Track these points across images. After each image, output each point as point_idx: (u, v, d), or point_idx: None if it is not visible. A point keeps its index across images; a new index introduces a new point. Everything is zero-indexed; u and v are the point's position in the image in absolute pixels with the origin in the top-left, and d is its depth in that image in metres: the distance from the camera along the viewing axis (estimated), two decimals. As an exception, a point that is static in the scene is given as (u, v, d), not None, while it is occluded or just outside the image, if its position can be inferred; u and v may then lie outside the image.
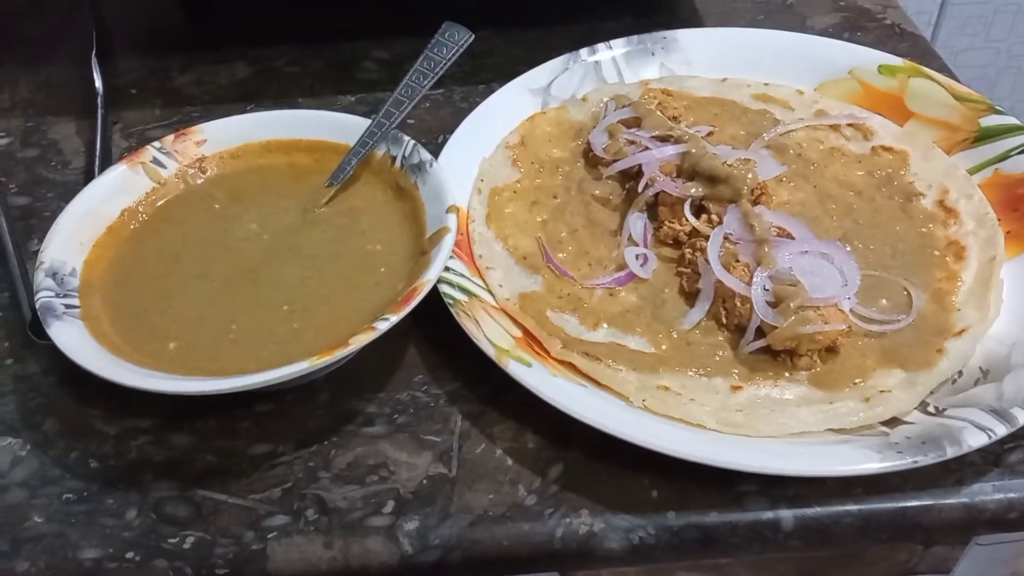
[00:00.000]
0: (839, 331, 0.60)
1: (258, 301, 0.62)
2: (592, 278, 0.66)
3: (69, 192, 0.69)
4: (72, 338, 0.57)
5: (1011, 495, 0.56)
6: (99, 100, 0.82)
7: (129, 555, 0.53)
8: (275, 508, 0.55)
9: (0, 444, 0.59)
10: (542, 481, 0.57)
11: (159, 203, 0.68)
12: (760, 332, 0.61)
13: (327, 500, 0.56)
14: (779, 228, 0.65)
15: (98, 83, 0.83)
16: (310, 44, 0.90)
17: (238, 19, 0.95)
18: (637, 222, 0.69)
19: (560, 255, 0.68)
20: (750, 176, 0.68)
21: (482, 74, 0.86)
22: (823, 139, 0.76)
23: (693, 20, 0.92)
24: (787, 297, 0.60)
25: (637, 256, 0.67)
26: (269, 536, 0.54)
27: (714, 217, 0.67)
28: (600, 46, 0.83)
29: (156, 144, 0.70)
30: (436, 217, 0.64)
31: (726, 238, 0.65)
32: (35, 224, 0.73)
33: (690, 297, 0.65)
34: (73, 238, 0.63)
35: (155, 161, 0.69)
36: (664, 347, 0.62)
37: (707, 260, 0.63)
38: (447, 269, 0.63)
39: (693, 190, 0.68)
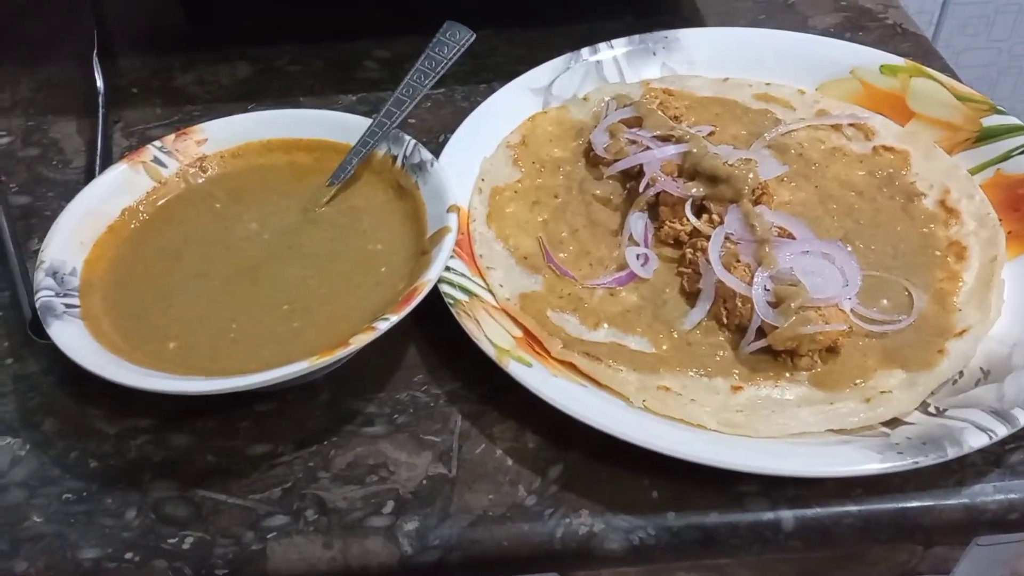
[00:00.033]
0: (840, 331, 0.60)
1: (258, 300, 0.62)
2: (593, 278, 0.66)
3: (70, 191, 0.69)
4: (72, 338, 0.57)
5: (1012, 496, 0.56)
6: (100, 99, 0.82)
7: (128, 555, 0.53)
8: (275, 508, 0.55)
9: None
10: (542, 481, 0.57)
11: (160, 202, 0.68)
12: (761, 332, 0.61)
13: (327, 500, 0.56)
14: (780, 228, 0.65)
15: (99, 82, 0.83)
16: (311, 43, 0.90)
17: (239, 18, 0.95)
18: (638, 222, 0.69)
19: (561, 255, 0.68)
20: (751, 176, 0.68)
21: (483, 73, 0.86)
22: (824, 139, 0.76)
23: (694, 20, 0.92)
24: (788, 297, 0.60)
25: (638, 256, 0.67)
26: (269, 536, 0.54)
27: (715, 217, 0.67)
28: (601, 45, 0.83)
29: (157, 143, 0.70)
30: (437, 217, 0.64)
31: (727, 238, 0.65)
32: (35, 223, 0.73)
33: (691, 297, 0.65)
34: (73, 237, 0.63)
35: (156, 160, 0.69)
36: (665, 347, 0.62)
37: (708, 260, 0.63)
38: (448, 269, 0.63)
39: (694, 190, 0.68)
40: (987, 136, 0.74)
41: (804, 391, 0.59)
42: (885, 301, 0.64)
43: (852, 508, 0.55)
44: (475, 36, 0.72)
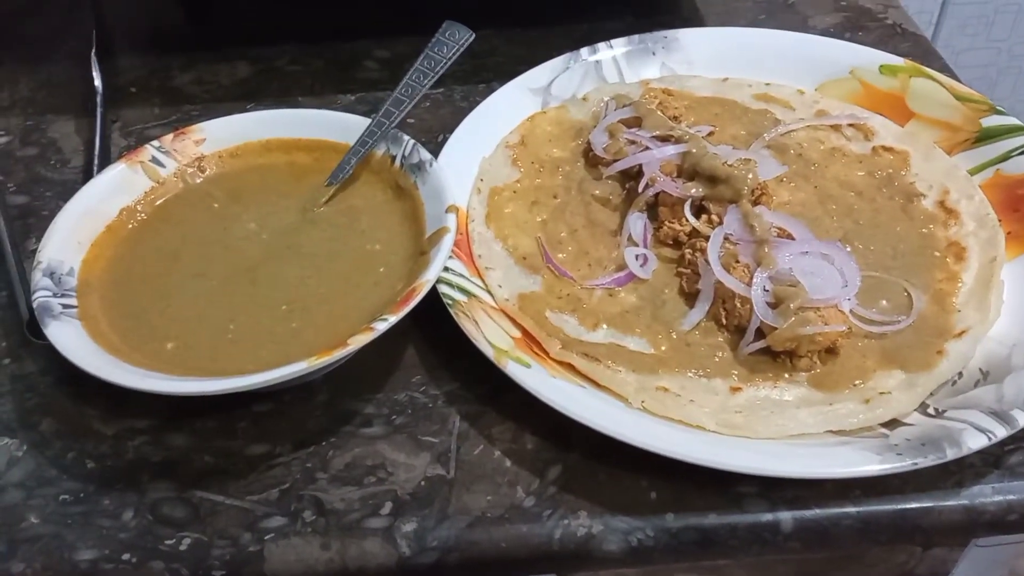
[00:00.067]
0: (839, 332, 0.60)
1: (257, 300, 0.62)
2: (592, 278, 0.66)
3: (68, 191, 0.69)
4: (69, 338, 0.57)
5: (1011, 497, 0.56)
6: (98, 99, 0.82)
7: (125, 556, 0.53)
8: (272, 509, 0.55)
9: (-3, 444, 0.59)
10: (540, 482, 0.56)
11: (158, 202, 0.68)
12: (760, 333, 0.61)
13: (325, 501, 0.56)
14: (779, 228, 0.65)
15: (97, 82, 0.83)
16: (311, 43, 0.90)
17: (239, 18, 0.95)
18: (637, 222, 0.69)
19: (560, 255, 0.68)
20: (750, 176, 0.68)
21: (482, 73, 0.86)
22: (824, 139, 0.76)
23: (694, 19, 0.92)
24: (787, 298, 0.60)
25: (637, 256, 0.67)
26: (266, 537, 0.54)
27: (714, 217, 0.67)
28: (601, 45, 0.83)
29: (155, 143, 0.70)
30: (435, 217, 0.64)
31: (726, 238, 0.65)
32: (33, 223, 0.72)
33: (690, 298, 0.65)
34: (71, 237, 0.63)
35: (154, 160, 0.69)
36: (663, 348, 0.62)
37: (707, 260, 0.63)
38: (446, 269, 0.63)
39: (693, 190, 0.68)
40: (986, 136, 0.74)
41: (803, 392, 0.59)
42: (884, 302, 0.64)
43: (851, 509, 0.55)
44: (474, 36, 0.72)
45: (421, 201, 0.66)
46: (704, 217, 0.67)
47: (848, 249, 0.66)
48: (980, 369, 0.60)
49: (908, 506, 0.55)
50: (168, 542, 0.54)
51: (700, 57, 0.83)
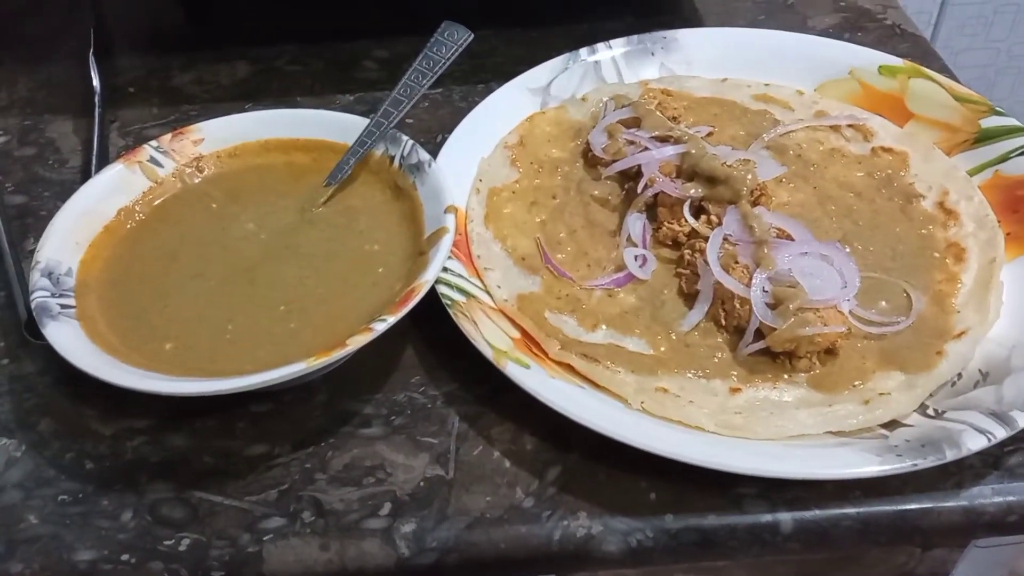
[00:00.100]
0: (838, 333, 0.60)
1: (255, 301, 0.62)
2: (591, 279, 0.66)
3: (66, 191, 0.69)
4: (67, 338, 0.57)
5: (1010, 498, 0.55)
6: (97, 99, 0.82)
7: (124, 557, 0.53)
8: (271, 510, 0.55)
9: (-4, 444, 0.59)
10: (540, 483, 0.56)
11: (156, 202, 0.68)
12: (759, 334, 0.61)
13: (323, 502, 0.55)
14: (779, 229, 0.65)
15: (96, 82, 0.83)
16: (311, 43, 0.90)
17: (238, 18, 0.94)
18: (636, 223, 0.69)
19: (559, 256, 0.68)
20: (750, 177, 0.67)
21: (481, 74, 0.86)
22: (823, 140, 0.76)
23: (693, 20, 0.92)
24: (786, 299, 0.60)
25: (636, 257, 0.67)
26: (265, 538, 0.54)
27: (713, 218, 0.67)
28: (600, 46, 0.83)
29: (153, 143, 0.70)
30: (434, 217, 0.64)
31: (725, 239, 0.65)
32: (31, 223, 0.72)
33: (689, 298, 0.65)
34: (69, 238, 0.63)
35: (152, 160, 0.69)
36: (663, 349, 0.62)
37: (706, 261, 0.63)
38: (445, 270, 0.63)
39: (692, 191, 0.68)
40: (986, 137, 0.74)
41: (802, 393, 0.59)
42: (884, 303, 0.64)
43: (851, 510, 0.55)
44: (473, 36, 0.72)
45: (420, 201, 0.65)
46: (703, 218, 0.67)
47: (847, 250, 0.66)
48: (979, 370, 0.60)
49: (908, 507, 0.55)
50: (167, 543, 0.54)
51: (699, 57, 0.83)
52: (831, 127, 0.77)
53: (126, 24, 0.94)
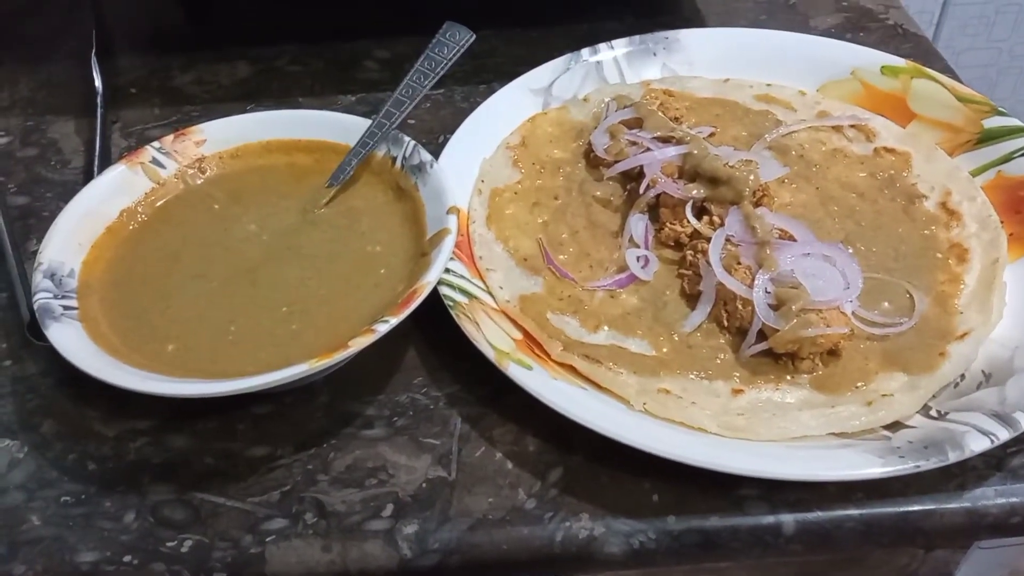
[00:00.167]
0: (841, 334, 0.60)
1: (257, 302, 0.62)
2: (593, 280, 0.66)
3: (68, 192, 0.69)
4: (70, 340, 0.57)
5: (1013, 500, 0.55)
6: (99, 99, 0.82)
7: (127, 558, 0.53)
8: (273, 511, 0.55)
9: (-2, 446, 0.59)
10: (542, 485, 0.56)
11: (158, 203, 0.68)
12: (762, 335, 0.61)
13: (325, 503, 0.55)
14: (781, 230, 0.65)
15: (98, 82, 0.83)
16: (311, 43, 0.90)
17: (239, 19, 0.94)
18: (638, 223, 0.69)
19: (561, 257, 0.67)
20: (752, 178, 0.67)
21: (483, 74, 0.86)
22: (825, 140, 0.76)
23: (695, 20, 0.92)
24: (789, 300, 0.60)
25: (638, 258, 0.67)
26: (267, 540, 0.54)
27: (716, 219, 0.67)
28: (602, 46, 0.82)
29: (155, 144, 0.70)
30: (436, 218, 0.64)
31: (728, 240, 0.65)
32: (34, 224, 0.72)
33: (691, 299, 0.65)
34: (72, 239, 0.63)
35: (154, 161, 0.69)
36: (665, 350, 0.62)
37: (708, 262, 0.63)
38: (447, 271, 0.63)
39: (695, 192, 0.68)
40: (988, 138, 0.74)
41: (805, 394, 0.59)
42: (886, 303, 0.64)
43: (853, 512, 0.55)
44: (475, 36, 0.72)
45: (422, 202, 0.65)
46: (705, 219, 0.67)
47: (850, 251, 0.66)
48: (982, 371, 0.60)
49: (910, 508, 0.55)
50: (169, 544, 0.54)
51: (701, 58, 0.83)
52: (833, 127, 0.77)
53: (126, 24, 0.94)
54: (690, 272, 0.65)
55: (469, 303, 0.62)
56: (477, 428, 0.59)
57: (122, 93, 0.85)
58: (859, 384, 0.59)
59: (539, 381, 0.57)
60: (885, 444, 0.55)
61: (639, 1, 0.93)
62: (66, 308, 0.59)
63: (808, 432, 0.57)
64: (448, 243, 0.61)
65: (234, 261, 0.64)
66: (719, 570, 0.65)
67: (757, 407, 0.58)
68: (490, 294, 0.65)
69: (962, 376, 0.60)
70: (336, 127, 0.70)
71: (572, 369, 0.60)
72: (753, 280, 0.62)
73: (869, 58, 0.81)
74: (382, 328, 0.56)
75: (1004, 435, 0.54)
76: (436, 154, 0.69)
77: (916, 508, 0.55)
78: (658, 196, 0.69)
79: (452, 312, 0.61)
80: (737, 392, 0.59)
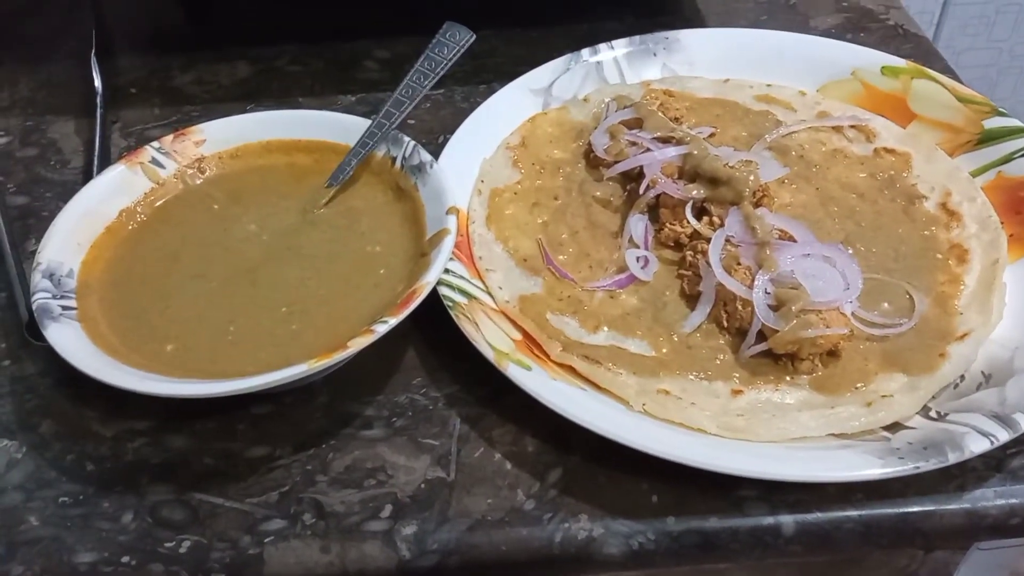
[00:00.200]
0: (841, 335, 0.60)
1: (257, 302, 0.62)
2: (593, 280, 0.66)
3: (67, 192, 0.69)
4: (69, 340, 0.56)
5: (1013, 501, 0.55)
6: (98, 99, 0.82)
7: (125, 559, 0.53)
8: (272, 512, 0.55)
9: (-4, 446, 0.59)
10: (541, 485, 0.56)
11: (158, 203, 0.68)
12: (761, 335, 0.60)
13: (324, 504, 0.55)
14: (781, 231, 0.65)
15: (97, 82, 0.83)
16: (311, 43, 0.90)
17: (239, 18, 0.94)
18: (638, 224, 0.69)
19: (560, 257, 0.67)
20: (752, 178, 0.67)
21: (483, 74, 0.86)
22: (825, 141, 0.76)
23: (695, 20, 0.91)
24: (789, 300, 0.60)
25: (638, 258, 0.67)
26: (266, 540, 0.54)
27: (715, 219, 0.67)
28: (602, 46, 0.82)
29: (155, 144, 0.70)
30: (436, 218, 0.63)
31: (727, 240, 0.64)
32: (33, 224, 0.72)
33: (691, 300, 0.65)
34: (71, 239, 0.63)
35: (154, 161, 0.69)
36: (665, 350, 0.62)
37: (708, 263, 0.63)
38: (447, 271, 0.63)
39: (695, 192, 0.68)
40: (988, 138, 0.74)
41: (805, 395, 0.59)
42: (886, 304, 0.64)
43: (853, 513, 0.55)
44: (475, 37, 0.72)
45: (421, 203, 0.65)
46: (705, 219, 0.67)
47: (850, 251, 0.66)
48: (982, 372, 0.60)
49: (910, 510, 0.55)
50: (168, 544, 0.54)
51: (701, 58, 0.82)
52: (833, 128, 0.77)
53: (126, 24, 0.94)
54: (690, 273, 0.65)
55: (468, 303, 0.62)
56: (476, 429, 0.59)
57: (122, 93, 0.85)
58: (859, 385, 0.59)
59: (538, 382, 0.57)
60: (885, 445, 0.55)
61: (639, 1, 0.93)
62: (65, 308, 0.59)
63: (807, 433, 0.57)
64: (448, 243, 0.61)
65: (233, 261, 0.64)
66: (718, 571, 0.64)
67: (756, 408, 0.58)
68: (489, 294, 0.65)
69: (962, 377, 0.60)
70: (336, 127, 0.70)
71: (571, 370, 0.60)
72: (753, 281, 0.62)
73: (869, 58, 0.81)
74: (381, 328, 0.56)
75: (1004, 436, 0.54)
76: (436, 154, 0.69)
77: (916, 509, 0.55)
78: (658, 196, 0.69)
79: (451, 312, 0.61)
80: (736, 393, 0.59)
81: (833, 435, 0.57)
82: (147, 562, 0.53)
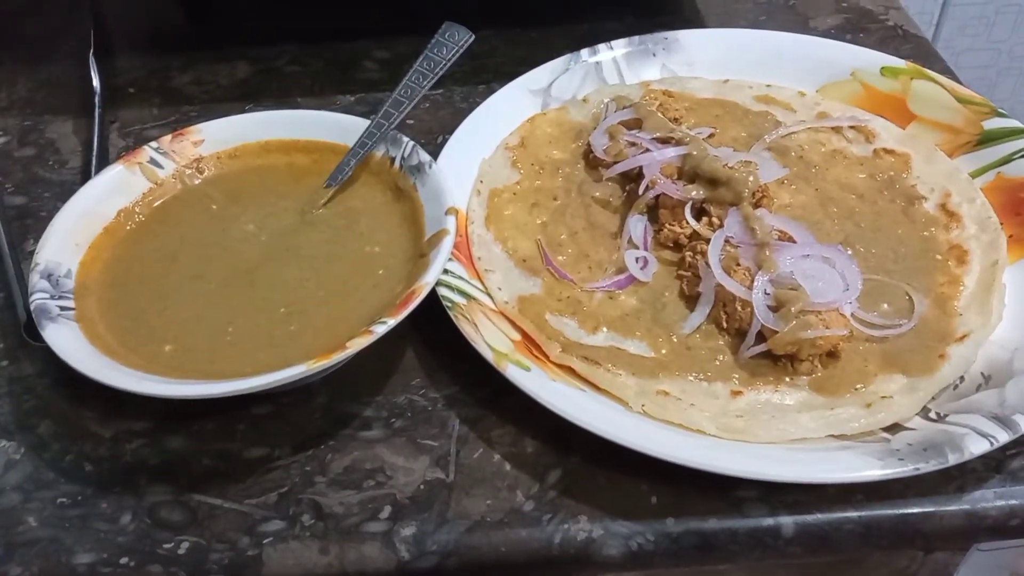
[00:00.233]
0: (840, 336, 0.60)
1: (255, 303, 0.62)
2: (592, 281, 0.66)
3: (66, 192, 0.69)
4: (67, 340, 0.56)
5: (1012, 502, 0.55)
6: (97, 99, 0.82)
7: (123, 560, 0.53)
8: (271, 513, 0.55)
9: (-5, 447, 0.59)
10: (540, 486, 0.56)
11: (156, 204, 0.68)
12: (761, 336, 0.60)
13: (323, 505, 0.55)
14: (780, 231, 0.65)
15: (96, 82, 0.83)
16: (311, 43, 0.90)
17: (238, 19, 0.94)
18: (637, 224, 0.69)
19: (560, 257, 0.67)
20: (751, 179, 0.67)
21: (482, 74, 0.86)
22: (825, 141, 0.76)
23: (695, 21, 0.91)
24: (788, 301, 0.60)
25: (637, 259, 0.67)
26: (264, 542, 0.54)
27: (715, 220, 0.67)
28: (601, 46, 0.82)
29: (153, 144, 0.69)
30: (435, 219, 0.63)
31: (727, 241, 0.64)
32: (31, 224, 0.72)
33: (690, 301, 0.64)
34: (69, 239, 0.63)
35: (152, 161, 0.69)
36: (664, 351, 0.62)
37: (708, 263, 0.63)
38: (446, 271, 0.63)
39: (694, 193, 0.68)
40: (988, 139, 0.74)
41: (804, 396, 0.59)
42: (886, 305, 0.64)
43: (852, 514, 0.55)
44: (474, 37, 0.72)
45: (420, 203, 0.65)
46: (705, 220, 0.67)
47: (849, 252, 0.66)
48: (982, 373, 0.60)
49: (910, 511, 0.55)
50: (166, 546, 0.54)
51: (701, 58, 0.82)
52: (833, 129, 0.77)
53: (126, 24, 0.94)
54: (689, 273, 0.65)
55: (467, 304, 0.62)
56: (475, 430, 0.59)
57: (120, 93, 0.85)
58: (858, 386, 0.59)
59: (537, 382, 0.57)
60: (884, 446, 0.55)
61: (639, 1, 0.93)
62: (63, 309, 0.59)
63: (807, 434, 0.57)
64: (447, 244, 0.61)
65: (232, 262, 0.64)
66: (718, 572, 0.64)
67: (756, 409, 0.58)
68: (488, 295, 0.64)
69: (961, 378, 0.60)
70: (335, 127, 0.70)
71: (571, 370, 0.60)
72: (752, 281, 0.61)
73: (869, 59, 0.81)
74: (380, 329, 0.55)
75: (1003, 437, 0.54)
76: (435, 154, 0.69)
77: (915, 510, 0.55)
78: (657, 197, 0.69)
79: (450, 313, 0.61)
80: (736, 394, 0.59)
81: (832, 436, 0.57)
82: (146, 563, 0.53)
